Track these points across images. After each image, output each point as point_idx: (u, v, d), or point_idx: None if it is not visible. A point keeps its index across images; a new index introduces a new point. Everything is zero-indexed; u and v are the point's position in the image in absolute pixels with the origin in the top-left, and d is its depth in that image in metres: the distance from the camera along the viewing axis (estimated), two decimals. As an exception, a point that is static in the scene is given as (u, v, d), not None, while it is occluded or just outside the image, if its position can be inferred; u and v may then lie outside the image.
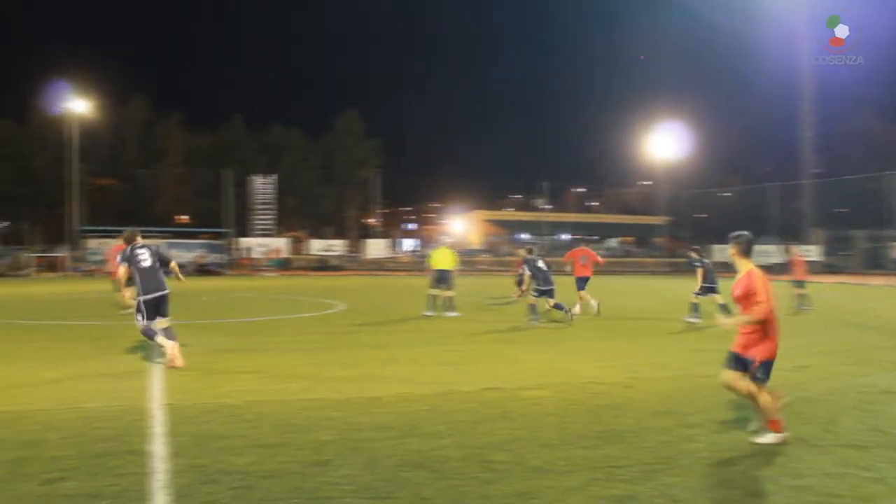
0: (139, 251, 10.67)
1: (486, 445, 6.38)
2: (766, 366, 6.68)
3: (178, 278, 11.49)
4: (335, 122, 71.32)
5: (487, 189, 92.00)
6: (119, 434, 6.59)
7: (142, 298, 10.40)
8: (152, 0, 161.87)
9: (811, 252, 46.14)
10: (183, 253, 45.80)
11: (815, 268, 47.69)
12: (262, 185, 49.93)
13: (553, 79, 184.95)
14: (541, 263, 17.04)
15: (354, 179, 69.92)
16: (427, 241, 75.52)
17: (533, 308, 16.61)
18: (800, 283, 20.59)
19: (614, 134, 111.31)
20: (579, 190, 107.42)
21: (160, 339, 10.22)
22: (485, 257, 58.59)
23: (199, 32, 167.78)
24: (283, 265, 48.51)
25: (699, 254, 18.08)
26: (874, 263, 48.49)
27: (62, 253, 46.23)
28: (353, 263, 53.74)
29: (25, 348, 12.10)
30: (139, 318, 10.46)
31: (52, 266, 44.51)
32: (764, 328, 6.66)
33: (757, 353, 6.69)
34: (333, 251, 50.80)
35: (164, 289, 10.65)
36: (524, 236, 70.85)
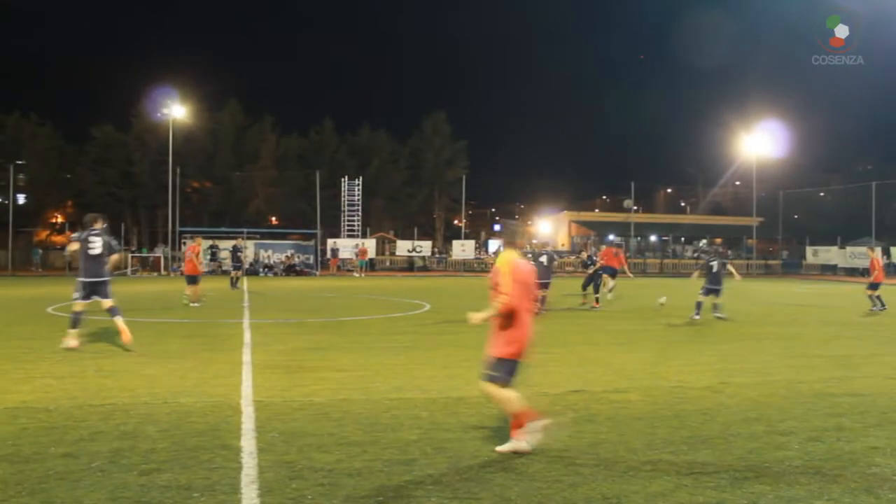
0: (93, 238, 11.67)
1: (571, 448, 6.34)
2: (506, 364, 6.20)
3: (119, 268, 12.62)
4: (423, 123, 71.91)
5: (576, 190, 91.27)
6: (212, 429, 6.80)
7: (82, 280, 11.67)
8: (247, 6, 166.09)
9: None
10: (273, 253, 46.93)
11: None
12: (351, 187, 50.70)
13: (646, 77, 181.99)
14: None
15: (442, 180, 70.36)
16: (529, 243, 75.24)
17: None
18: (874, 286, 20.63)
19: (707, 133, 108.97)
20: (669, 190, 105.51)
21: (117, 320, 11.78)
22: (572, 258, 57.96)
23: (290, 38, 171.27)
24: (370, 266, 49.09)
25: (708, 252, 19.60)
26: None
27: (160, 253, 47.98)
28: (439, 264, 54.03)
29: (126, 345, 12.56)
30: (76, 295, 11.70)
31: (150, 266, 46.23)
32: (508, 323, 6.22)
33: (496, 350, 6.29)
34: (420, 252, 51.15)
35: (104, 276, 11.78)
36: (612, 237, 69.99)
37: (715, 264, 18.35)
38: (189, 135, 58.93)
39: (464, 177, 61.52)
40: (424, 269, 51.28)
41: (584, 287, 22.15)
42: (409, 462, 5.88)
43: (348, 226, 51.47)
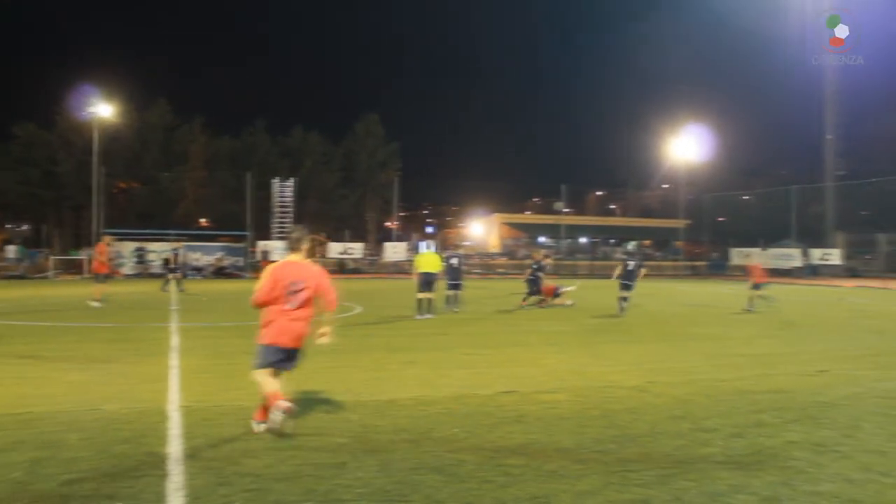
0: None
1: (501, 449, 6.39)
2: (262, 350, 7.10)
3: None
4: (356, 125, 71.56)
5: (507, 192, 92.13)
6: (137, 436, 6.65)
7: None
8: (175, 4, 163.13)
9: (832, 256, 45.68)
10: (203, 256, 46.12)
11: (836, 271, 47.48)
12: (283, 189, 50.16)
13: (574, 82, 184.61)
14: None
15: (374, 182, 70.09)
16: (444, 245, 75.62)
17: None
18: (757, 286, 22.02)
19: (635, 137, 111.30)
20: (599, 193, 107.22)
21: None
22: (503, 260, 58.48)
23: (221, 37, 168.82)
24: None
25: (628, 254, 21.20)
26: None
27: (84, 255, 46.69)
28: (371, 266, 53.84)
29: (47, 350, 12.21)
30: None
31: (74, 268, 44.95)
32: (266, 316, 7.16)
33: (258, 338, 7.20)
34: (352, 254, 50.86)
35: None
36: (542, 239, 70.79)
37: (631, 264, 20.28)
38: (116, 134, 57.43)
39: (396, 179, 61.46)
40: (356, 271, 51.02)
41: (532, 292, 22.50)
42: (340, 465, 5.85)
43: (280, 228, 50.90)
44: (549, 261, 25.03)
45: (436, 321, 17.64)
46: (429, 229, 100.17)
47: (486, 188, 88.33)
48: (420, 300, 18.68)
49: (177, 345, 12.85)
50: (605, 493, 5.27)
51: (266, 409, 6.82)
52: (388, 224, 72.88)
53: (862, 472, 5.85)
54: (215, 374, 9.98)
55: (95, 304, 20.58)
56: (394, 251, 51.12)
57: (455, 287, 20.15)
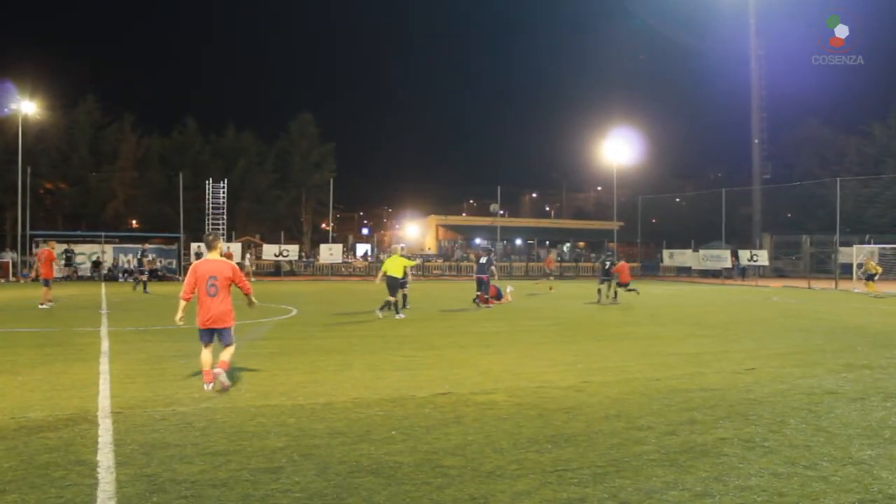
0: None
1: (438, 450, 6.40)
2: (199, 332, 9.19)
3: None
4: (290, 125, 70.71)
5: (443, 194, 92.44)
6: (65, 444, 6.47)
7: None
8: (105, 0, 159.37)
9: (760, 257, 46.88)
10: (133, 258, 45.08)
11: (763, 272, 48.75)
12: (216, 189, 49.34)
13: (510, 85, 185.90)
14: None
15: (309, 183, 69.35)
16: (381, 246, 75.41)
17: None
18: (624, 285, 25.52)
19: (570, 140, 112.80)
20: (534, 195, 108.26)
21: None
22: (439, 262, 58.58)
23: (152, 34, 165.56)
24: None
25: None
26: (820, 268, 49.54)
27: (7, 258, 45.19)
28: (307, 268, 53.38)
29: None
30: None
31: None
32: (198, 305, 9.12)
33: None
34: (287, 256, 50.28)
35: None
36: (478, 241, 71.12)
37: (608, 263, 26.23)
38: (41, 132, 55.78)
39: (331, 180, 60.94)
40: (291, 273, 50.53)
41: (481, 289, 23.29)
42: (276, 470, 5.79)
43: (213, 229, 50.08)
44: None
45: (372, 323, 17.58)
46: (364, 231, 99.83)
47: (421, 190, 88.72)
48: (389, 302, 18.99)
49: (107, 349, 12.55)
50: (542, 493, 5.32)
51: (225, 364, 9.00)
52: (323, 225, 72.30)
53: (788, 466, 6.02)
54: (147, 378, 9.76)
55: (46, 306, 20.97)
56: (329, 253, 50.72)
57: (402, 286, 20.37)
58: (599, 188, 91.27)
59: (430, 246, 71.64)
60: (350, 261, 57.44)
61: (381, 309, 18.88)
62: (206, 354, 9.06)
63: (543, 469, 5.89)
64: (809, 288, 38.64)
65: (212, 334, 9.06)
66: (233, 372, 10.03)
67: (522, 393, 9.02)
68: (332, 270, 51.56)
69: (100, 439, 6.60)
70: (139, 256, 32.44)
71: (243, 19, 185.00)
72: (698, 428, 7.28)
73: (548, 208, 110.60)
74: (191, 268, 9.08)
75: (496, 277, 24.43)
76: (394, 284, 19.04)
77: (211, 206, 48.74)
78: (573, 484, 5.52)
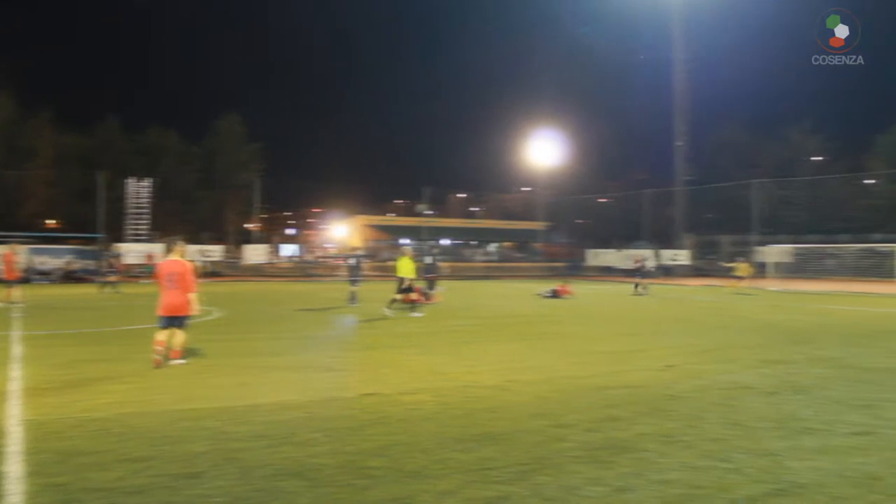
0: None
1: (362, 452, 6.37)
2: (159, 319, 11.05)
3: None
4: (216, 124, 69.45)
5: (370, 194, 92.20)
6: (-26, 452, 6.23)
7: None
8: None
9: (681, 256, 47.97)
10: (51, 259, 43.72)
11: (685, 271, 49.90)
12: (138, 189, 48.19)
13: (439, 86, 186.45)
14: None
15: (235, 183, 68.23)
16: (308, 246, 74.73)
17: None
18: (354, 282, 24.17)
19: (498, 142, 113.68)
20: (461, 195, 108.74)
21: None
22: (366, 262, 58.33)
23: (73, 27, 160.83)
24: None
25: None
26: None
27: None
28: (232, 269, 52.55)
29: None
30: None
31: None
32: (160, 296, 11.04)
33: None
34: (210, 256, 49.42)
35: None
36: (405, 241, 71.08)
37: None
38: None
39: (258, 180, 60.17)
40: (216, 274, 49.67)
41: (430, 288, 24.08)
42: (197, 475, 5.68)
43: (135, 229, 48.91)
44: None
45: (298, 325, 17.42)
46: (290, 231, 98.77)
47: (349, 190, 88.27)
48: (394, 299, 20.73)
49: (19, 355, 12.13)
50: (466, 492, 5.35)
51: (177, 353, 11.04)
52: (248, 226, 71.27)
53: (704, 460, 6.19)
54: (63, 384, 9.46)
55: (13, 305, 21.51)
56: (255, 253, 50.01)
57: (353, 283, 23.55)
58: (526, 189, 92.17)
59: (357, 246, 71.30)
60: (275, 261, 56.73)
61: (390, 308, 20.43)
62: (162, 336, 10.94)
63: (467, 468, 5.92)
64: (728, 287, 39.68)
65: (170, 321, 10.99)
66: (154, 376, 9.84)
67: (448, 393, 9.05)
68: (257, 271, 50.88)
69: (9, 449, 6.37)
70: (109, 258, 32.47)
71: (170, 16, 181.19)
72: (619, 424, 7.42)
73: (475, 209, 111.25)
74: (158, 266, 11.34)
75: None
76: (406, 287, 20.55)
77: (133, 205, 47.59)
78: (497, 482, 5.56)
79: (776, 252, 41.35)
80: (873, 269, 40.25)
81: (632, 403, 8.46)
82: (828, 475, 5.82)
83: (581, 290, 33.96)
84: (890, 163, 60.97)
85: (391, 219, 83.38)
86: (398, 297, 20.58)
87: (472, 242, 72.75)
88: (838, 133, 72.13)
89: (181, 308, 11.01)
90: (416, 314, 19.87)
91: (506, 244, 76.03)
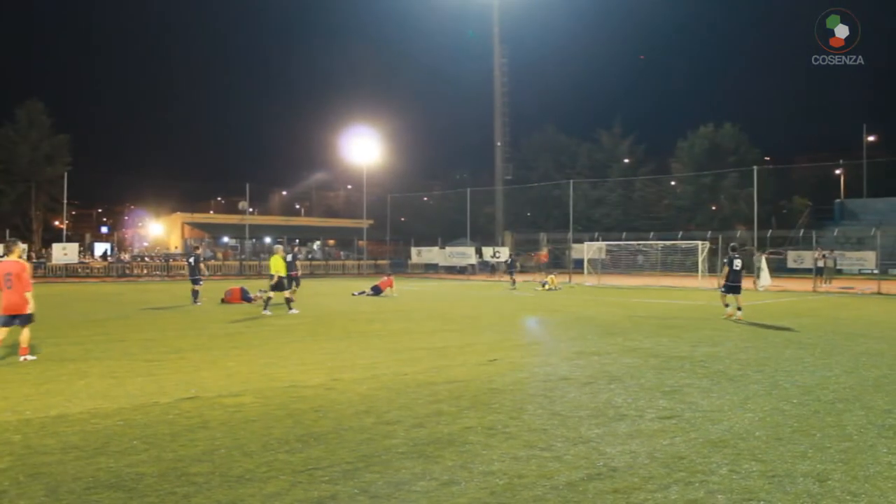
0: None
1: (184, 458, 6.15)
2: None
3: None
4: (16, 112, 64.36)
5: (189, 191, 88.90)
6: None
7: None
8: None
9: (502, 253, 49.40)
10: None
11: (505, 268, 51.37)
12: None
13: (261, 82, 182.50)
14: None
15: (40, 177, 63.60)
16: (122, 245, 71.22)
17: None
18: (195, 281, 24.07)
19: (321, 140, 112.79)
20: (284, 193, 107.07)
21: None
22: (183, 261, 56.29)
23: None
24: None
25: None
26: (556, 263, 53.13)
27: None
28: (37, 270, 49.14)
29: None
30: None
31: None
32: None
33: None
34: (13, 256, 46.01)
35: None
36: (226, 239, 69.24)
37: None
38: None
39: (66, 174, 56.50)
40: (18, 275, 46.26)
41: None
42: (-1, 493, 5.28)
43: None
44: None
45: (111, 328, 16.55)
46: (104, 229, 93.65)
47: (166, 186, 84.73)
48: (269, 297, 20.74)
49: None
50: (293, 493, 5.28)
51: (25, 350, 11.57)
52: (57, 223, 66.95)
53: (526, 450, 6.42)
54: None
55: None
56: (63, 253, 47.07)
57: (196, 283, 23.82)
58: (350, 187, 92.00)
59: (177, 245, 68.68)
60: (87, 261, 53.60)
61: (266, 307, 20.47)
62: (2, 333, 11.50)
63: (294, 469, 5.85)
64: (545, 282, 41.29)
65: (11, 319, 11.54)
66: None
67: (272, 394, 8.90)
68: (68, 272, 47.87)
69: None
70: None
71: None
72: (444, 419, 7.56)
73: (298, 206, 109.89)
74: None
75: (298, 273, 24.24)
76: (282, 282, 20.52)
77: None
78: (324, 482, 5.53)
79: (590, 249, 43.46)
80: (678, 264, 43.13)
81: (456, 398, 8.64)
82: (639, 457, 6.20)
83: (404, 288, 34.29)
84: (690, 166, 65.72)
85: (211, 216, 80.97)
86: (270, 294, 20.59)
87: (294, 240, 71.80)
88: (645, 137, 77.00)
89: (21, 307, 11.53)
90: (277, 312, 20.09)
91: (329, 242, 75.59)
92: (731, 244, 20.55)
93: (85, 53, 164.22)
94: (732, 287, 18.92)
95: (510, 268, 38.56)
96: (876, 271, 38.54)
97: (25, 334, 11.63)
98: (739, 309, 18.57)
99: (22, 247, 12.44)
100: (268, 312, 19.97)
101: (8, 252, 12.19)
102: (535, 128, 78.64)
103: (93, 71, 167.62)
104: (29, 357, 11.49)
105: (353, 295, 28.60)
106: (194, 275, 24.06)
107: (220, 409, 8.05)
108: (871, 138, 70.79)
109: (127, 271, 49.70)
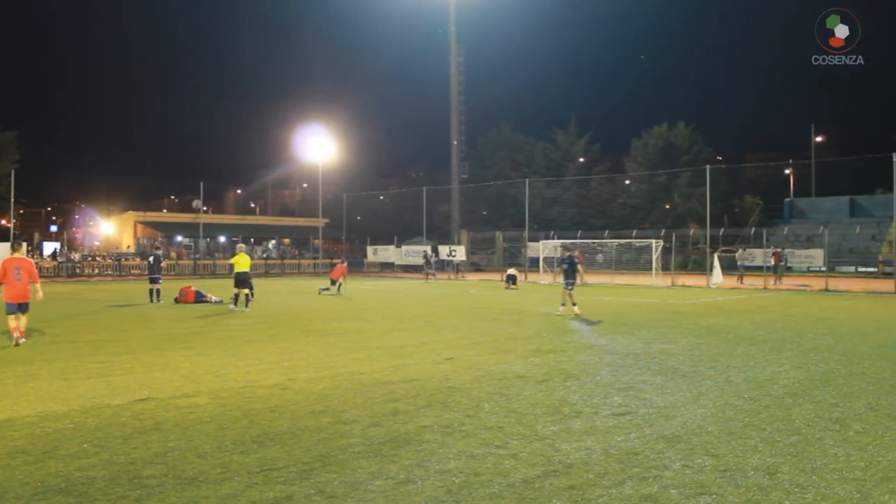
0: None
1: (137, 461, 6.05)
2: (5, 305, 13.37)
3: None
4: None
5: (141, 189, 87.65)
6: None
7: None
8: None
9: (458, 252, 49.46)
10: None
11: (462, 266, 51.51)
12: None
13: (215, 79, 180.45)
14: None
15: (-16, 176, 62.08)
16: (73, 244, 69.94)
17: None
18: (154, 280, 24.11)
19: (276, 138, 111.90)
20: (239, 191, 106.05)
21: None
22: (138, 261, 55.44)
23: None
24: None
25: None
26: (512, 261, 53.37)
27: None
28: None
29: None
30: None
31: None
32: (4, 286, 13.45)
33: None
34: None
35: None
36: (180, 239, 68.33)
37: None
38: None
39: (12, 172, 55.20)
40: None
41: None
42: (-59, 500, 5.15)
43: None
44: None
45: (61, 328, 16.23)
46: (53, 228, 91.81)
47: (118, 184, 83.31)
48: (237, 295, 21.14)
49: None
50: (249, 495, 5.23)
51: (22, 333, 13.32)
52: (3, 222, 65.38)
53: (483, 448, 6.44)
54: None
55: None
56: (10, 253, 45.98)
57: (155, 281, 23.98)
58: (305, 185, 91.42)
59: (129, 244, 67.58)
60: (36, 261, 52.50)
61: (234, 303, 21.11)
62: (12, 321, 13.34)
63: (249, 470, 5.79)
64: (503, 280, 41.45)
65: (17, 307, 13.37)
66: None
67: (226, 394, 8.81)
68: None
69: None
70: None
71: None
72: (401, 418, 7.55)
73: (253, 205, 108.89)
74: (3, 261, 13.53)
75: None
76: (244, 278, 21.10)
77: None
78: (279, 483, 5.48)
79: (546, 247, 43.71)
80: (633, 262, 43.62)
81: (413, 396, 8.63)
82: (593, 454, 6.25)
83: (361, 287, 34.17)
84: (645, 165, 66.47)
85: (164, 215, 79.81)
86: (238, 291, 21.04)
87: (249, 239, 71.11)
88: (601, 136, 77.70)
89: (25, 296, 13.51)
90: (246, 309, 20.67)
91: (285, 241, 74.99)
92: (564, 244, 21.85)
93: (33, 48, 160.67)
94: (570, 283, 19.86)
95: (428, 265, 43.34)
96: (824, 269, 39.32)
97: (23, 320, 13.60)
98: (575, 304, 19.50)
99: (24, 245, 14.71)
100: (235, 308, 20.72)
101: (15, 250, 14.14)
102: (491, 126, 78.97)
103: (41, 66, 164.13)
104: (22, 340, 13.34)
105: (320, 293, 28.41)
106: (154, 273, 24.08)
107: (173, 410, 7.94)
108: (819, 139, 72.38)
109: (77, 271, 48.75)
